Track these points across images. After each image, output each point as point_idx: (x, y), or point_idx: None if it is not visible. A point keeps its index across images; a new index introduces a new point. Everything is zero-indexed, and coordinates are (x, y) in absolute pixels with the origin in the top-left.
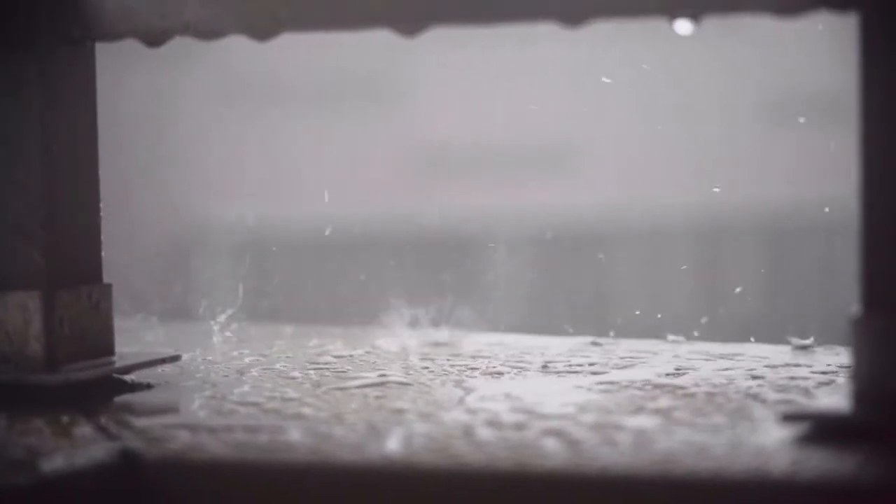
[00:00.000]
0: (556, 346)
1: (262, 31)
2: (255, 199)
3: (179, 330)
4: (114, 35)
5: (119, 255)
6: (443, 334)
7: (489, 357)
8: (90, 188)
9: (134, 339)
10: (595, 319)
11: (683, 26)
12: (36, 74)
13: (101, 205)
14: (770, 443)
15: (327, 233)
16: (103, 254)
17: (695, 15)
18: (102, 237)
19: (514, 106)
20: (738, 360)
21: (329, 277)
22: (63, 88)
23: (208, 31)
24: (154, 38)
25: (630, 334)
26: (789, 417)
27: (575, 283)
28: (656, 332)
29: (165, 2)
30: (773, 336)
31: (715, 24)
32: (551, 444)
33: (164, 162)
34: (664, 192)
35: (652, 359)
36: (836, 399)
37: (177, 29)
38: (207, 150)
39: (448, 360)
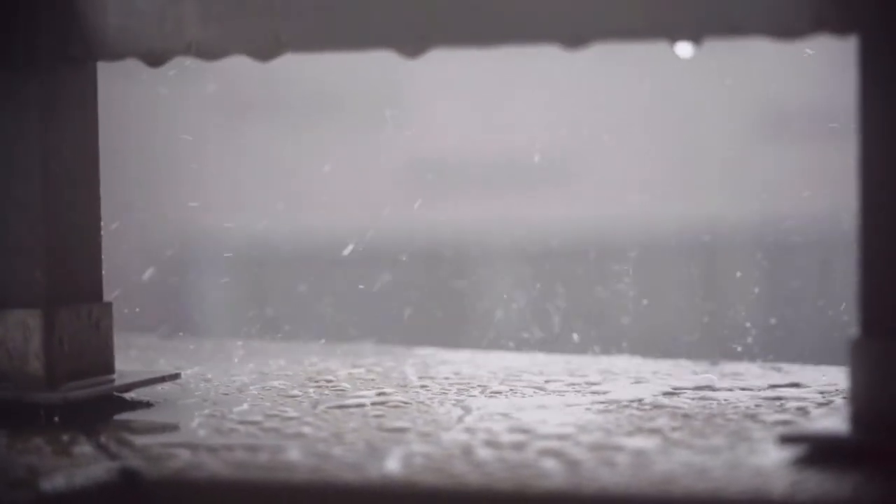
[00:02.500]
0: (555, 364)
1: (264, 52)
2: (255, 212)
3: (180, 346)
4: (114, 55)
5: (119, 270)
6: (443, 352)
7: (488, 375)
8: (91, 206)
9: (133, 356)
10: (595, 335)
11: (684, 49)
12: (36, 92)
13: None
14: (769, 464)
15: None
16: (104, 269)
17: (695, 38)
18: (103, 252)
19: (512, 118)
20: (736, 380)
21: (327, 292)
22: (64, 106)
23: (210, 52)
24: (155, 59)
25: (629, 351)
26: (787, 439)
27: (575, 298)
28: (655, 350)
29: (166, 22)
30: (773, 354)
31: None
32: (550, 465)
33: (161, 174)
34: (661, 205)
35: (651, 377)
36: (834, 421)
37: (178, 49)
38: (205, 162)
39: (447, 378)
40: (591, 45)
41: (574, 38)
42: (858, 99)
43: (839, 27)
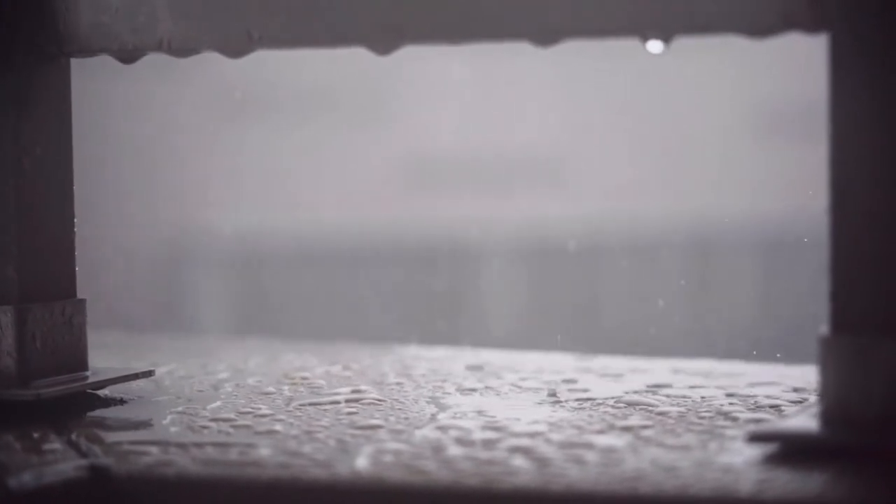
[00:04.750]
0: (535, 362)
1: (235, 48)
2: (246, 210)
3: (162, 343)
4: (88, 51)
5: (108, 268)
6: (423, 350)
7: (465, 373)
8: (64, 203)
9: (114, 353)
10: (579, 334)
11: (655, 46)
12: (9, 90)
13: (93, 217)
14: (739, 462)
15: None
16: (98, 266)
17: (665, 37)
18: (95, 250)
19: (503, 117)
20: (714, 378)
21: (315, 290)
22: (37, 104)
23: (182, 48)
24: (127, 55)
25: (613, 349)
26: (756, 437)
27: (562, 297)
28: (640, 348)
29: (139, 18)
30: (758, 353)
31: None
32: (519, 462)
33: (153, 172)
34: (652, 203)
35: (629, 375)
36: (804, 419)
37: (150, 45)
38: (198, 160)
39: (423, 375)
40: (563, 42)
41: (545, 35)
42: (829, 96)
43: (809, 25)
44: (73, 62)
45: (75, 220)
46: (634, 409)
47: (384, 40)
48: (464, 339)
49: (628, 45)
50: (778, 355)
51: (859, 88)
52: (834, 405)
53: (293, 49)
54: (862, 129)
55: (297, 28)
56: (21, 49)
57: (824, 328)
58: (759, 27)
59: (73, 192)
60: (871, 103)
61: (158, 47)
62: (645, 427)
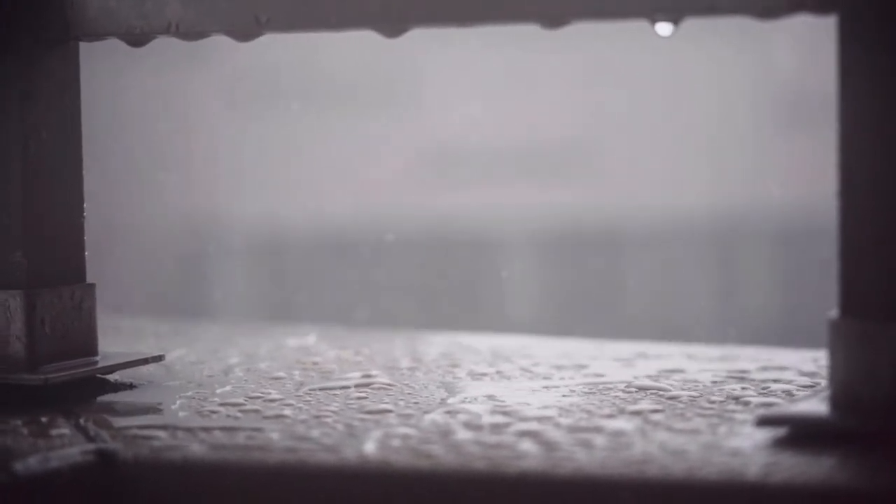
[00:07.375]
0: (546, 347)
1: (244, 32)
2: (264, 197)
3: (178, 329)
4: (95, 34)
5: (126, 255)
6: (436, 335)
7: (476, 358)
8: (73, 187)
9: (125, 338)
10: (598, 321)
11: (664, 27)
12: (16, 73)
13: (108, 203)
14: (747, 446)
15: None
16: (112, 253)
17: (674, 18)
18: (108, 236)
19: (524, 106)
20: (728, 363)
21: (334, 278)
22: (45, 87)
23: (190, 32)
24: (135, 38)
25: (631, 335)
26: (765, 421)
27: (582, 285)
28: (657, 334)
29: (147, 2)
30: (775, 338)
31: (724, 23)
32: (527, 446)
33: (171, 158)
34: (672, 193)
35: (642, 361)
36: (814, 403)
37: (158, 29)
38: (215, 148)
39: (434, 360)
40: (570, 23)
41: (551, 17)
42: (838, 77)
43: (817, 6)
44: (90, 49)
45: (84, 206)
46: (645, 393)
47: (392, 23)
48: (482, 326)
49: (650, 32)
50: (791, 340)
51: (868, 71)
52: (842, 389)
53: (301, 32)
54: (870, 112)
55: (304, 11)
56: (28, 33)
57: (834, 312)
58: (767, 8)
59: (83, 176)
60: (881, 86)
61: (166, 31)
62: (655, 411)
